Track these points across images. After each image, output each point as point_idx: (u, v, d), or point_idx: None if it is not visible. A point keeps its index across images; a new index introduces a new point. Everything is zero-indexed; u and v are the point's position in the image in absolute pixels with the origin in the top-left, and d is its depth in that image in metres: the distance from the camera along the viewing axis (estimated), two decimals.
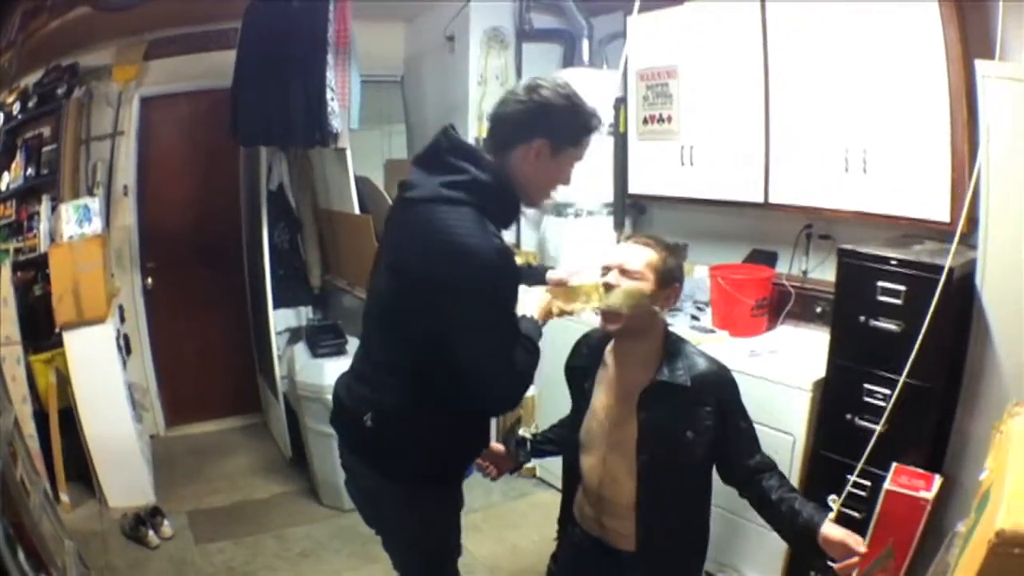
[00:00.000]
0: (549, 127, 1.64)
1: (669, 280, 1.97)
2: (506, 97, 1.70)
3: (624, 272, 1.95)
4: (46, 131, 3.46)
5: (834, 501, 1.92)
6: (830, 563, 1.82)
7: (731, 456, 2.03)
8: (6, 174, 3.33)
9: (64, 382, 3.30)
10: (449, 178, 1.62)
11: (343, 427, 1.89)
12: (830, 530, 1.83)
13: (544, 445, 2.39)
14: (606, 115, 3.50)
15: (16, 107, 3.32)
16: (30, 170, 3.42)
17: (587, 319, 2.14)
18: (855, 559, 1.75)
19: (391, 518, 1.90)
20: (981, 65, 2.05)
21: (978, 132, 2.04)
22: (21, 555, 1.49)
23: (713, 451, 2.01)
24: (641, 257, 1.95)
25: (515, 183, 1.68)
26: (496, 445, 2.29)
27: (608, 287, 1.94)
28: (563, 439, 2.36)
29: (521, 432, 2.40)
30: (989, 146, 2.01)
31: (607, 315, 1.96)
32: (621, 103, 3.44)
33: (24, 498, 2.06)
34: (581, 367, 2.20)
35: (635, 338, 2.01)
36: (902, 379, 2.07)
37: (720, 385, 2.01)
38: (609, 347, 2.15)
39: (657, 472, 2.01)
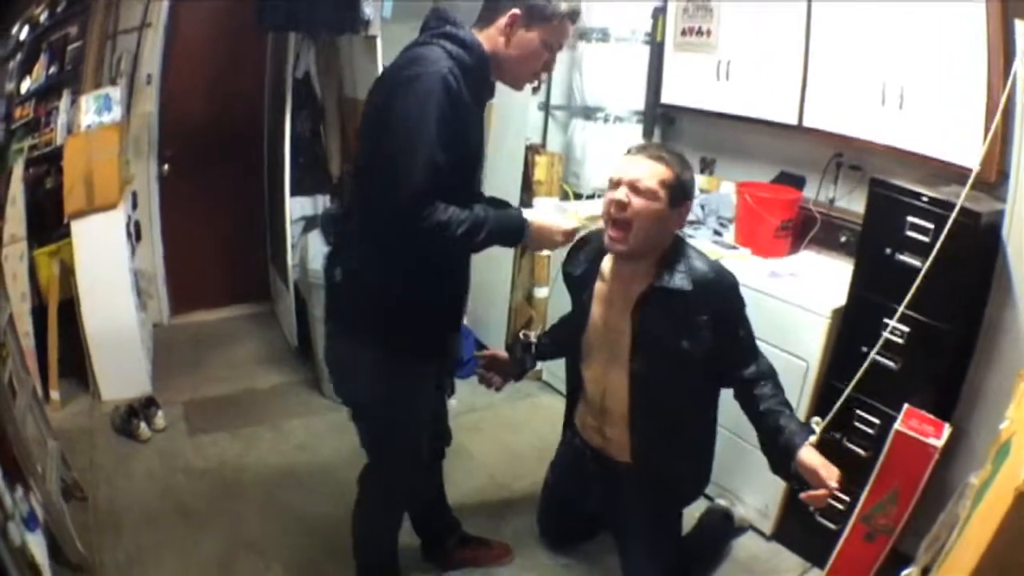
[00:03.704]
0: None
1: (682, 198, 1.88)
2: None
3: (635, 190, 1.85)
4: (73, 30, 3.31)
5: (817, 423, 1.86)
6: (800, 492, 1.77)
7: (726, 366, 1.98)
8: (27, 78, 3.19)
9: (67, 273, 3.20)
10: (428, 33, 1.75)
11: (325, 292, 1.96)
12: (807, 455, 1.77)
13: (546, 348, 2.36)
14: (643, 23, 3.47)
15: (44, 16, 3.17)
16: (52, 68, 3.27)
17: None
18: (822, 491, 1.71)
19: (359, 387, 1.92)
20: (1020, 26, 2.02)
21: (1015, 89, 2.03)
22: None
23: (711, 362, 1.94)
24: (654, 173, 1.84)
25: (495, 59, 1.77)
26: (499, 352, 2.28)
27: (621, 205, 1.85)
28: (561, 340, 2.31)
29: (524, 334, 2.35)
30: None
31: (613, 236, 1.88)
32: (660, 13, 3.38)
33: (9, 401, 2.04)
34: (578, 276, 2.13)
35: (637, 258, 1.94)
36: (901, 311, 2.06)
37: (721, 291, 1.93)
38: (607, 259, 2.06)
39: (650, 381, 1.96)
